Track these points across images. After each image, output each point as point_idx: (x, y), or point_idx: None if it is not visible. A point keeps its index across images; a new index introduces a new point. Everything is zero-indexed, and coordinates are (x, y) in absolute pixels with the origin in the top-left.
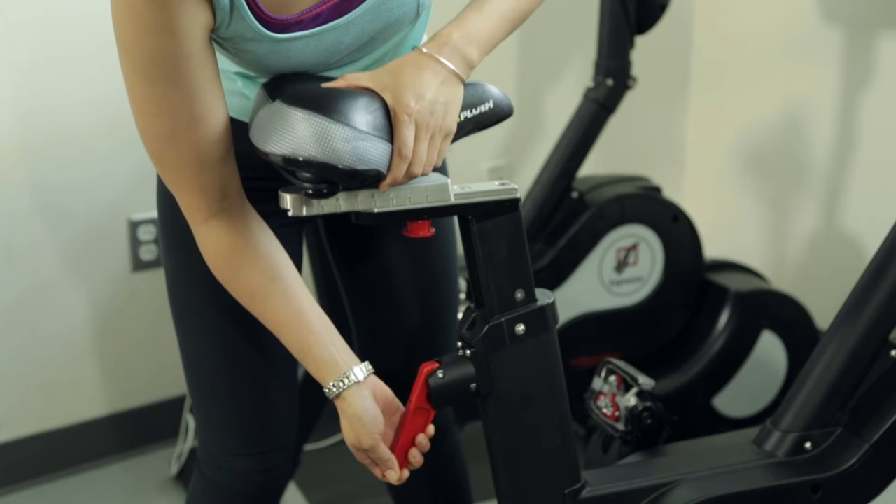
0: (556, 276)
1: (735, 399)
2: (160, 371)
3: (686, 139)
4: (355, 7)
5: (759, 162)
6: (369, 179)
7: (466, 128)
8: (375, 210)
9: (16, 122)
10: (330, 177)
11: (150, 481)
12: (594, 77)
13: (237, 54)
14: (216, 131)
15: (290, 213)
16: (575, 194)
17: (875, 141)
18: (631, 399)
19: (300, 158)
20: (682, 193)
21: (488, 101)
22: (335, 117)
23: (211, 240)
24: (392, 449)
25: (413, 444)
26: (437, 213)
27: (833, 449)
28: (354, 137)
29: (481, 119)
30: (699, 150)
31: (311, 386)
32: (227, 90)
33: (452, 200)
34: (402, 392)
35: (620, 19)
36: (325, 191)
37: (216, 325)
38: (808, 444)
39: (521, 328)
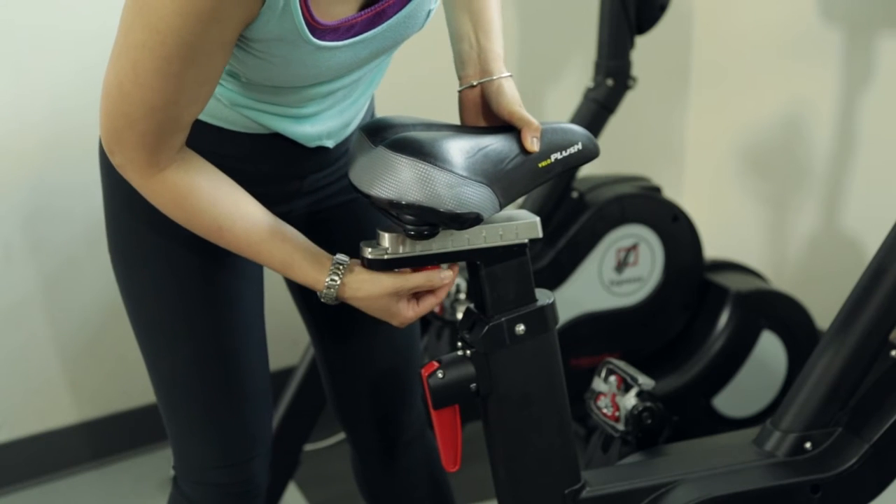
0: (556, 276)
1: (735, 399)
2: None
3: (686, 139)
4: (384, 21)
5: (758, 162)
6: (468, 222)
7: (556, 169)
8: (385, 257)
9: (17, 123)
10: (431, 219)
11: (150, 481)
12: (594, 77)
13: (254, 55)
14: (201, 109)
15: (387, 254)
16: (575, 194)
17: (875, 141)
18: (631, 399)
19: (404, 202)
20: (682, 193)
21: (577, 144)
22: (438, 164)
23: (167, 187)
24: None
25: (456, 442)
26: (447, 259)
27: (833, 449)
28: (456, 183)
29: (570, 160)
30: (699, 149)
31: (311, 386)
32: None
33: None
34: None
35: (620, 19)
36: (426, 232)
37: (186, 338)
38: (808, 445)
39: (521, 328)
